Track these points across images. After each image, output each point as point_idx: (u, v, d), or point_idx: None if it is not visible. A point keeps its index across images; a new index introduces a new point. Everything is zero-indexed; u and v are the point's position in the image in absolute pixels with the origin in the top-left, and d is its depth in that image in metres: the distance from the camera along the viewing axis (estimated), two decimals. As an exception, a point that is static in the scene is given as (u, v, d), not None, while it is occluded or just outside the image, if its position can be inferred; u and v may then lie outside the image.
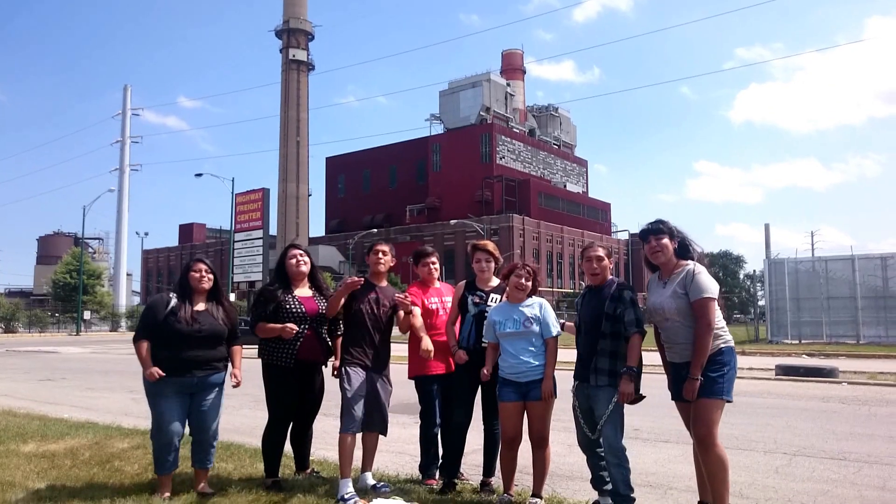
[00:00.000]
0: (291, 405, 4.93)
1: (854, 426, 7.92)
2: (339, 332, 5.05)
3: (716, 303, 3.99)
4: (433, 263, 5.15)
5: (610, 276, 4.43)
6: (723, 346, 4.01)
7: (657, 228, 4.21)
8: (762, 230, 29.34)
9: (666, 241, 4.16)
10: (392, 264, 5.10)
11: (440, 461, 5.02)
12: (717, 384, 3.92)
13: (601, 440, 4.25)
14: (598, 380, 4.21)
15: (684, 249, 4.20)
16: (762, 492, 5.01)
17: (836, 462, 5.97)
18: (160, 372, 4.47)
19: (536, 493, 4.44)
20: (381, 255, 5.01)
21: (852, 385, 12.37)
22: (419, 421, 5.12)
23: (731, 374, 3.99)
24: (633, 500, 4.18)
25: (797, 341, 26.05)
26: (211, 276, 4.78)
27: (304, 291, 5.04)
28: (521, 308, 4.51)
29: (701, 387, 3.91)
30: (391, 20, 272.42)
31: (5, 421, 7.97)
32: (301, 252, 5.11)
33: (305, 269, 5.05)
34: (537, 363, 4.44)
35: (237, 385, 4.78)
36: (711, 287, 4.00)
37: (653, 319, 4.31)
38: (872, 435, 7.36)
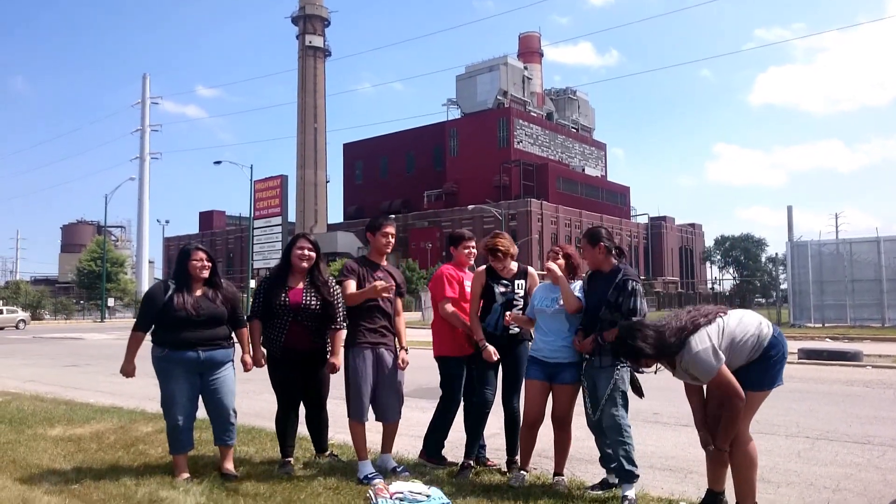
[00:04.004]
0: (290, 391, 5.00)
1: (878, 410, 7.82)
2: (336, 327, 4.91)
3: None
4: (472, 247, 5.15)
5: (616, 263, 4.43)
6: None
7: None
8: (784, 213, 28.92)
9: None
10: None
11: (444, 445, 5.11)
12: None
13: (603, 419, 4.28)
14: (603, 361, 4.26)
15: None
16: (784, 476, 4.97)
17: (860, 446, 5.90)
18: (132, 372, 4.78)
19: (559, 472, 4.50)
20: (391, 238, 5.00)
21: (877, 368, 12.19)
22: (438, 402, 5.15)
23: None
24: (637, 476, 4.19)
25: (820, 325, 25.71)
26: (209, 264, 4.84)
27: (297, 282, 4.98)
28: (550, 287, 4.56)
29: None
30: (407, 5, 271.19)
31: (33, 406, 8.14)
32: (308, 246, 5.00)
33: (306, 265, 4.97)
34: (568, 345, 4.45)
35: (248, 370, 4.94)
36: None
37: None
38: (897, 419, 7.26)
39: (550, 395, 4.54)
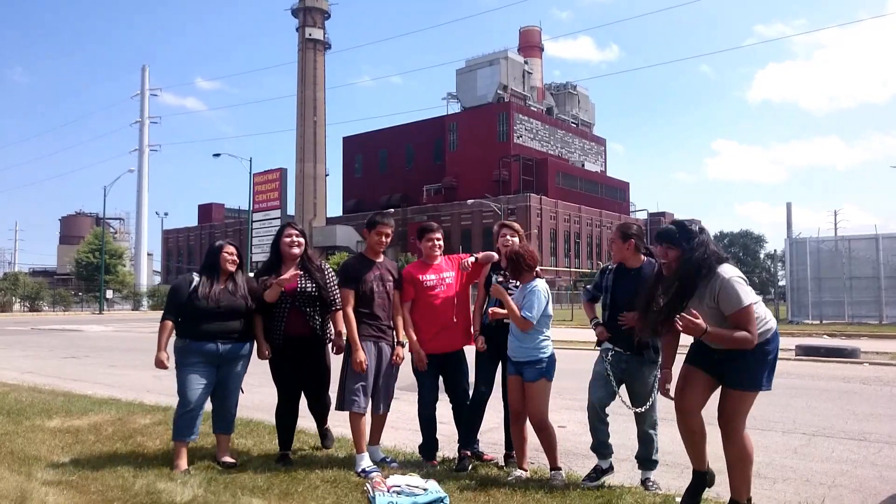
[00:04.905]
0: (291, 382, 5.08)
1: (875, 407, 7.84)
2: (336, 308, 5.01)
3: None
4: (437, 239, 5.07)
5: (644, 258, 4.53)
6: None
7: (666, 237, 3.83)
8: (782, 209, 28.96)
9: (673, 252, 3.79)
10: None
11: (439, 442, 5.11)
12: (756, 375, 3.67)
13: (646, 416, 4.49)
14: (650, 355, 4.41)
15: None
16: (780, 472, 4.98)
17: (857, 442, 5.92)
18: (166, 362, 4.77)
19: (554, 467, 4.53)
20: (385, 238, 5.02)
21: (874, 365, 12.21)
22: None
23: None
24: (657, 463, 4.54)
25: (818, 321, 25.74)
26: (237, 259, 5.01)
27: (289, 270, 5.04)
28: (520, 290, 4.63)
29: (738, 378, 3.68)
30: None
31: (31, 397, 8.14)
32: (297, 233, 5.11)
33: (297, 251, 5.06)
34: (526, 346, 4.51)
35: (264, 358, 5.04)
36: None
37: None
38: (894, 416, 7.28)
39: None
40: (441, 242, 5.09)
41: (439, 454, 5.13)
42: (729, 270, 3.62)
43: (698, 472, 3.97)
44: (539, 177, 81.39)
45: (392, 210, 72.97)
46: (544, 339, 4.55)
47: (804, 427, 6.57)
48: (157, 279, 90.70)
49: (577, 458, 5.34)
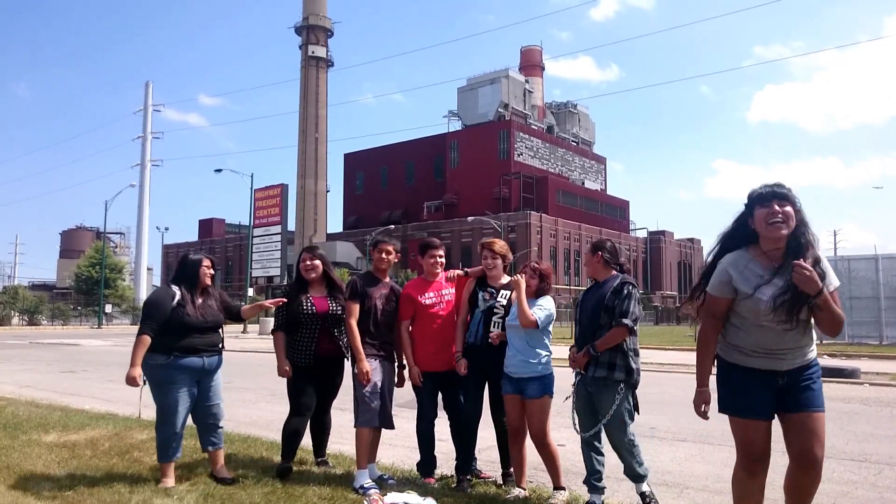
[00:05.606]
0: (310, 398, 5.13)
1: (875, 427, 7.80)
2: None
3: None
4: (439, 256, 5.08)
5: (613, 273, 4.47)
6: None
7: (783, 194, 3.21)
8: (783, 229, 28.84)
9: (790, 210, 3.19)
10: (396, 260, 5.23)
11: (437, 459, 5.06)
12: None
13: (607, 436, 4.32)
14: (597, 371, 4.26)
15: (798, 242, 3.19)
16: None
17: (857, 463, 5.89)
18: (139, 379, 4.66)
19: (557, 486, 4.49)
20: (384, 254, 5.11)
21: (874, 386, 12.17)
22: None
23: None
24: (646, 475, 4.34)
25: (818, 342, 25.39)
26: (213, 273, 5.06)
27: (318, 291, 5.25)
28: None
29: (816, 398, 3.41)
30: (409, 17, 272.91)
31: (28, 411, 8.11)
32: (310, 257, 5.27)
33: (314, 275, 5.23)
34: (531, 360, 4.47)
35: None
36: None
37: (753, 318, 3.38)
38: (894, 437, 7.24)
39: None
40: (443, 259, 5.11)
41: (437, 472, 5.10)
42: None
43: None
44: (539, 194, 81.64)
45: (392, 227, 73.06)
46: (547, 355, 4.54)
47: (804, 447, 6.53)
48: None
49: (576, 476, 5.30)
